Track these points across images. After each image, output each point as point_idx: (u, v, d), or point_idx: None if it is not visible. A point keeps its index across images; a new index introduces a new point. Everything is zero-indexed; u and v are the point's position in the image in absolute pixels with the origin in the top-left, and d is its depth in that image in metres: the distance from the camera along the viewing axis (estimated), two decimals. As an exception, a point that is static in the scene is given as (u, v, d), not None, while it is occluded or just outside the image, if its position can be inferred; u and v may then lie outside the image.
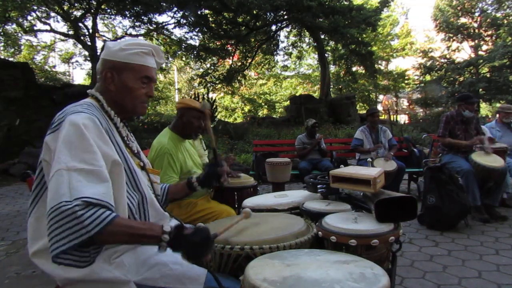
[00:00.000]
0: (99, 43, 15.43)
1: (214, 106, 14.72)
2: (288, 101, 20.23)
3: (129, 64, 1.18)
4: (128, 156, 1.17)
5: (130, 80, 1.19)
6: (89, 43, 14.60)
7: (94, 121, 1.05)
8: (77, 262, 0.95)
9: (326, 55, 18.79)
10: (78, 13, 14.42)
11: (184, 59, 18.23)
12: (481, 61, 18.02)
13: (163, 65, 20.13)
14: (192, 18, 14.61)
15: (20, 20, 13.91)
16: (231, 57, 17.61)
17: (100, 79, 1.21)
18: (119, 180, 1.07)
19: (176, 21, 15.54)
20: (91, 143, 1.00)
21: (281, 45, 19.70)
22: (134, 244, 1.08)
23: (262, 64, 21.06)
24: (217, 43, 16.85)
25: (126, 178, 1.12)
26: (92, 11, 13.93)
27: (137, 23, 15.28)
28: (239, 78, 18.08)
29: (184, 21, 15.13)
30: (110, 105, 1.20)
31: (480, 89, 17.05)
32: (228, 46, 16.91)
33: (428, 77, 20.74)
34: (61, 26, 26.34)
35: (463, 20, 20.47)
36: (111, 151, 1.07)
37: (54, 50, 20.15)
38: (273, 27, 17.34)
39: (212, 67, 17.81)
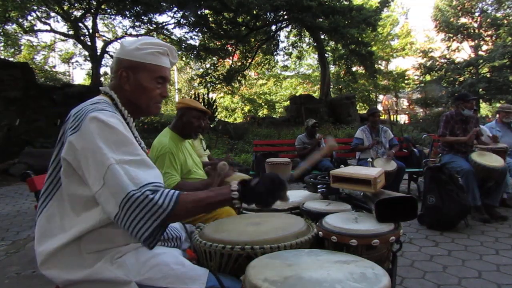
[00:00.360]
0: (99, 43, 15.46)
1: (214, 106, 14.73)
2: (288, 101, 20.25)
3: (144, 64, 1.17)
4: None
5: (145, 80, 1.18)
6: (89, 43, 14.60)
7: (118, 119, 1.07)
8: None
9: (326, 55, 18.81)
10: (78, 13, 14.44)
11: (184, 59, 18.23)
12: (481, 61, 18.03)
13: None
14: (192, 18, 14.62)
15: (20, 20, 13.92)
16: (231, 57, 17.62)
17: (114, 78, 1.20)
18: None
19: (176, 21, 15.57)
20: (126, 135, 1.02)
21: (281, 45, 19.79)
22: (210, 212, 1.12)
23: (262, 64, 21.08)
24: (217, 43, 16.86)
25: None
26: (92, 11, 13.94)
27: (137, 23, 15.31)
28: (239, 78, 18.10)
29: (184, 21, 15.15)
30: (124, 104, 1.19)
31: (480, 89, 17.06)
32: (228, 46, 16.92)
33: (428, 77, 20.76)
34: (61, 26, 26.35)
35: (463, 20, 20.48)
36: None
37: (54, 50, 20.21)
38: (273, 27, 17.38)
39: (212, 67, 17.83)
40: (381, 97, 26.91)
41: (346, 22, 14.36)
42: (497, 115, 5.02)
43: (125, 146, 1.00)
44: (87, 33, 14.59)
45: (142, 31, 15.63)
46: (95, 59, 14.34)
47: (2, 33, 14.46)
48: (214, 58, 17.30)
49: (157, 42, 1.22)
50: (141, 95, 1.20)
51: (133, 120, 1.23)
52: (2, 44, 15.75)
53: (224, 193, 1.04)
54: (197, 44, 16.51)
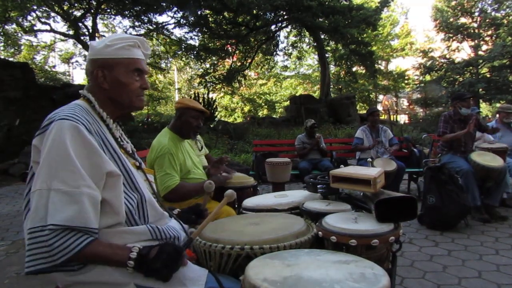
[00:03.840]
0: (99, 43, 15.44)
1: (214, 106, 14.72)
2: (288, 101, 20.24)
3: (117, 59, 1.17)
4: (123, 157, 1.15)
5: (122, 75, 1.17)
6: (89, 43, 14.60)
7: (79, 131, 1.01)
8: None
9: (326, 55, 18.80)
10: (78, 13, 14.44)
11: (184, 59, 18.24)
12: (481, 61, 18.03)
13: (163, 65, 20.24)
14: (192, 18, 14.62)
15: (20, 20, 13.92)
16: (231, 57, 17.61)
17: (91, 80, 1.20)
18: (117, 189, 1.07)
19: (176, 21, 15.57)
20: (73, 160, 0.98)
21: (281, 45, 19.80)
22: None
23: (262, 65, 21.05)
24: (217, 43, 16.86)
25: (124, 179, 1.10)
26: (92, 11, 13.94)
27: (137, 23, 15.30)
28: (239, 78, 18.09)
29: (184, 21, 15.15)
30: (102, 106, 1.18)
31: (480, 89, 17.05)
32: (228, 46, 16.92)
33: (428, 77, 20.74)
34: (61, 26, 26.37)
35: (462, 20, 20.47)
36: (103, 161, 1.03)
37: (54, 50, 20.23)
38: (273, 27, 17.37)
39: (212, 67, 17.82)
40: (381, 97, 26.93)
41: (346, 22, 14.35)
42: (497, 115, 5.01)
43: (64, 171, 0.97)
44: (87, 33, 14.59)
45: (142, 31, 15.63)
46: (95, 59, 14.31)
47: (2, 33, 14.46)
48: (214, 58, 17.29)
49: (126, 36, 1.21)
50: (121, 91, 1.19)
51: (113, 121, 1.22)
52: (2, 44, 15.76)
53: (121, 255, 1.00)
54: (197, 44, 16.54)
